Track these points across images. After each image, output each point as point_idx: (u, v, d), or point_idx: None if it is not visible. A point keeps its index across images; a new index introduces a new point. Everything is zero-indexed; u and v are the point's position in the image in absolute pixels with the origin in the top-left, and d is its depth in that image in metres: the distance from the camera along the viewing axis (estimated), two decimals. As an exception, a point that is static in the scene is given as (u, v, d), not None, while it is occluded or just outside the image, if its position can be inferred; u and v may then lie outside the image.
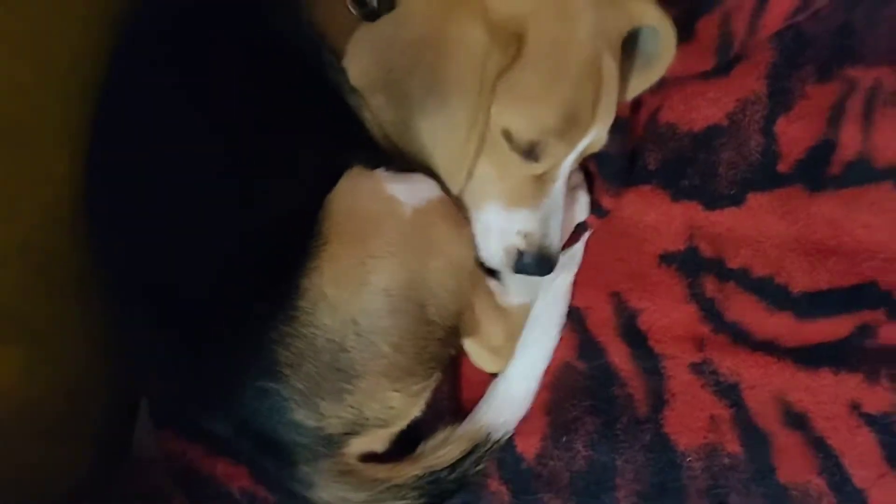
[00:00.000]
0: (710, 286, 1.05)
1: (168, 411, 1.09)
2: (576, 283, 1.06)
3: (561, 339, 1.03)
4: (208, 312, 0.85)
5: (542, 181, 0.93)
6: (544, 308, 1.03)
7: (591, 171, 1.08)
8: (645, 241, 1.07)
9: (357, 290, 0.85)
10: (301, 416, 0.86)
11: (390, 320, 0.86)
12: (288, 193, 0.88)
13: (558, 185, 0.94)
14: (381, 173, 0.89)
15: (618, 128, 0.98)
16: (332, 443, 0.88)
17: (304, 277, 0.85)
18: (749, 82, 1.08)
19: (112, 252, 0.90)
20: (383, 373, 0.87)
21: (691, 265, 1.06)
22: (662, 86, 1.06)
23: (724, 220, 1.06)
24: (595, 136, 0.92)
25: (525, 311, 1.02)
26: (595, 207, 1.08)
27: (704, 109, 1.09)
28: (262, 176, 0.87)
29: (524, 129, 0.88)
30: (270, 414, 0.85)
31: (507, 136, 0.89)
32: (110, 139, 0.90)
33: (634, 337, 1.05)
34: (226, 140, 0.87)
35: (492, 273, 1.00)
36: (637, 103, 1.10)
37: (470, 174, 0.91)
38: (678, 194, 1.08)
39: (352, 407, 0.87)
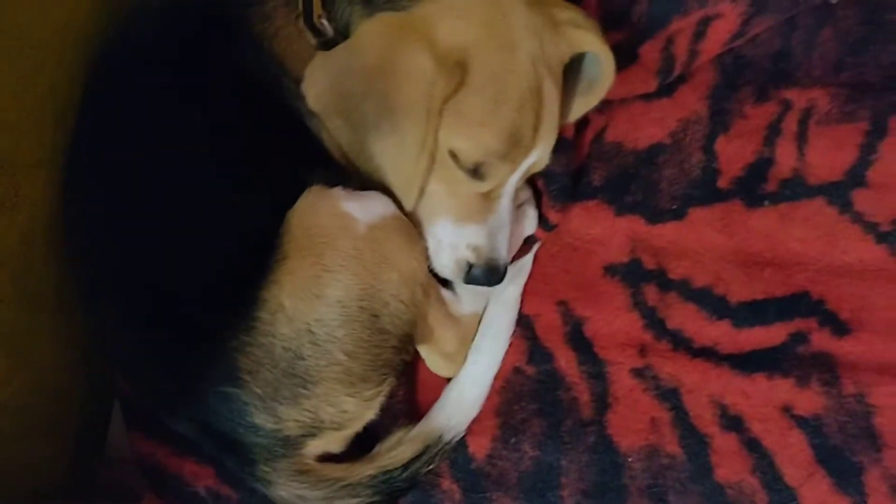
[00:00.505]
0: (652, 296, 1.08)
1: (139, 413, 1.12)
2: (525, 293, 1.08)
3: (511, 345, 1.06)
4: (179, 319, 0.88)
5: (489, 198, 0.96)
6: (495, 316, 1.06)
7: (539, 187, 1.10)
8: (591, 253, 1.10)
9: (313, 302, 0.88)
10: (260, 419, 0.89)
11: (345, 330, 0.89)
12: (256, 210, 0.92)
13: (504, 202, 0.97)
14: (337, 191, 0.92)
15: (562, 147, 1.01)
16: (289, 444, 0.91)
17: (264, 289, 0.88)
18: (691, 103, 1.12)
19: (89, 254, 0.93)
20: (338, 379, 0.90)
21: (634, 276, 1.09)
22: (608, 106, 1.11)
23: (666, 233, 1.09)
24: (538, 157, 0.95)
25: (476, 319, 1.05)
26: (543, 221, 1.10)
27: (648, 128, 1.12)
28: (238, 190, 0.92)
29: (469, 151, 0.91)
30: (232, 417, 0.89)
31: (454, 157, 0.91)
32: (89, 141, 0.94)
33: (580, 343, 1.08)
34: (211, 149, 0.93)
35: (445, 283, 1.02)
36: (583, 123, 1.12)
37: (422, 192, 0.94)
38: (622, 209, 1.11)
39: (308, 411, 0.90)
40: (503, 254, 0.98)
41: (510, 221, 0.99)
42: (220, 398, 0.89)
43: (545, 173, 1.04)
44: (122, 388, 1.12)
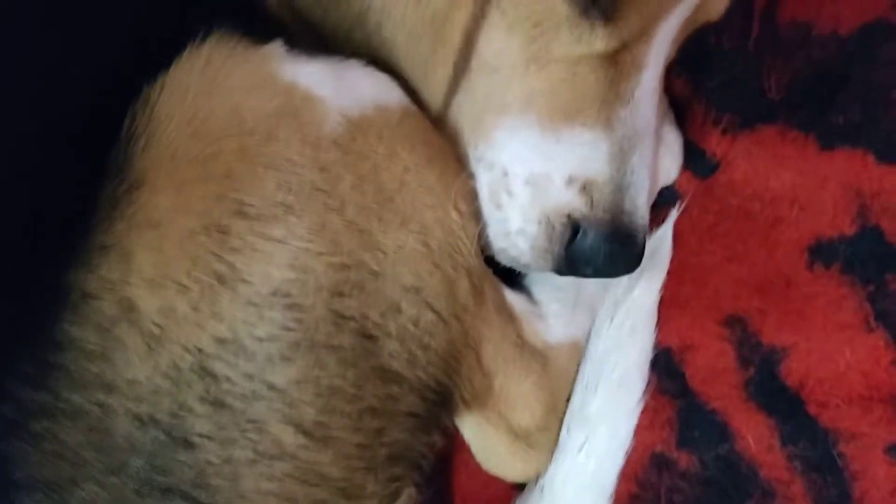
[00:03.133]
0: (909, 298, 0.75)
1: None
2: (661, 303, 0.74)
3: (643, 409, 0.72)
4: None
5: (615, 72, 0.59)
6: (613, 347, 0.70)
7: (677, 92, 0.74)
8: (780, 221, 0.74)
9: (213, 296, 0.48)
10: None
11: (294, 369, 0.49)
12: (60, 88, 0.52)
13: (647, 80, 0.59)
14: (274, 49, 0.55)
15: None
16: None
17: (80, 268, 0.48)
18: (928, -50, 0.80)
19: None
20: (283, 495, 0.50)
21: (869, 261, 0.73)
22: None
23: (917, 179, 0.76)
24: None
25: (576, 353, 0.69)
26: (694, 157, 0.73)
27: None
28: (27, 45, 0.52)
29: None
30: None
31: None
32: None
33: (779, 400, 0.72)
34: None
35: (508, 278, 0.68)
36: (746, -15, 0.82)
37: (465, 61, 0.58)
38: (829, 138, 0.74)
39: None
40: (642, 202, 0.61)
41: (656, 128, 0.61)
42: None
43: (707, 50, 0.71)
44: None
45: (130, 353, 0.47)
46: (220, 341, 0.47)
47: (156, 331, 0.47)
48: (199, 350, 0.47)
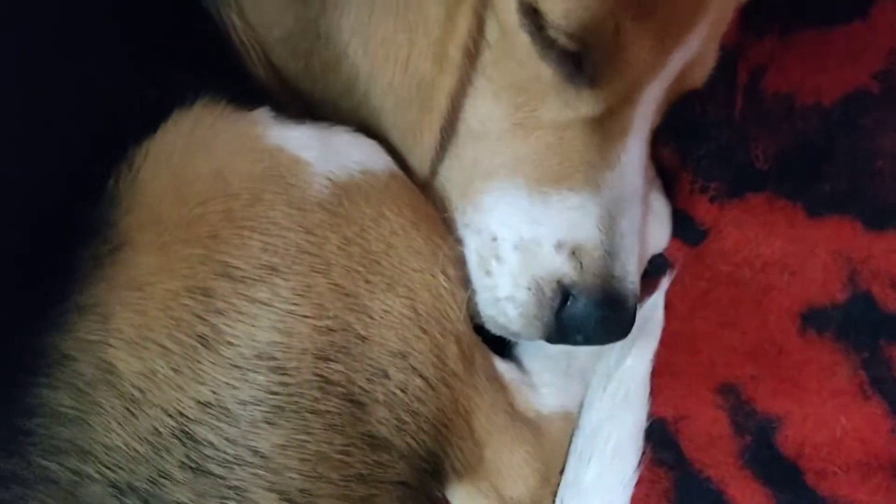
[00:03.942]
0: (904, 365, 0.71)
1: None
2: (654, 372, 0.71)
3: (639, 480, 0.69)
4: None
5: (601, 136, 0.58)
6: (607, 417, 0.67)
7: (664, 160, 0.73)
8: (771, 288, 0.72)
9: (194, 359, 0.45)
10: None
11: (278, 434, 0.46)
12: (41, 150, 0.50)
13: (633, 145, 0.58)
14: (261, 114, 0.54)
15: (723, 68, 0.67)
16: None
17: (57, 330, 0.46)
18: (903, 26, 0.83)
19: None
20: None
21: (862, 327, 0.70)
22: (765, 33, 0.77)
23: (905, 246, 0.74)
24: (702, 42, 0.58)
25: (568, 424, 0.66)
26: (683, 225, 0.73)
27: (836, 70, 0.75)
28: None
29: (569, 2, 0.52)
30: None
31: (532, 21, 0.53)
32: None
33: (775, 468, 0.69)
34: None
35: (498, 346, 0.64)
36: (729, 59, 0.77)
37: (452, 127, 0.57)
38: (817, 206, 0.73)
39: None
40: (632, 266, 0.59)
41: (644, 191, 0.60)
42: None
43: (693, 120, 0.69)
44: None
45: (108, 417, 0.45)
46: (203, 405, 0.45)
47: (136, 394, 0.45)
48: (181, 413, 0.45)
